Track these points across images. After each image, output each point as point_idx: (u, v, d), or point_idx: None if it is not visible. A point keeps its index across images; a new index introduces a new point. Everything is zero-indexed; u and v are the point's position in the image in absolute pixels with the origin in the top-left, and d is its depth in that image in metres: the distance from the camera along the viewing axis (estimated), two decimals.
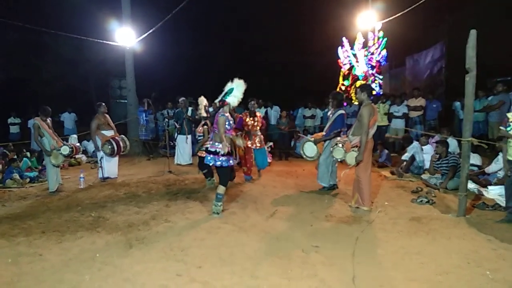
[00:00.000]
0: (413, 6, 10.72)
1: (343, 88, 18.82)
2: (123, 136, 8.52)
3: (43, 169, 9.18)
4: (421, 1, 10.08)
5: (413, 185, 7.26)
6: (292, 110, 14.16)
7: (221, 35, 24.01)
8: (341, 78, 19.14)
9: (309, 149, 6.81)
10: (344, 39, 18.24)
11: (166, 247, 4.39)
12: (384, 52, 16.80)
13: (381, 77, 17.17)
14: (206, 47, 23.75)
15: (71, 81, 18.99)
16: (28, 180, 8.38)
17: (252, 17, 23.36)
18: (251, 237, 4.71)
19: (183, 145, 10.25)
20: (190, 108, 10.23)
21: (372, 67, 17.26)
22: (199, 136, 7.61)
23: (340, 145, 5.76)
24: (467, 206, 5.40)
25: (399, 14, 12.02)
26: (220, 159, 5.42)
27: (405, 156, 8.41)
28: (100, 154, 8.26)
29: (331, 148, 5.98)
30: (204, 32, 24.22)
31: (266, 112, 12.78)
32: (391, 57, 16.87)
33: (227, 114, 5.48)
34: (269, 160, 10.29)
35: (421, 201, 6.02)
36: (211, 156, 5.47)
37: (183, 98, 10.27)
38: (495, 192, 6.05)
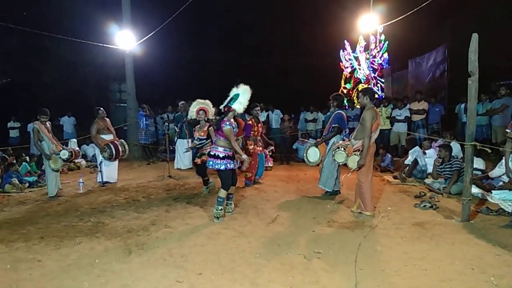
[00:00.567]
0: (415, 9, 10.70)
1: (345, 91, 18.85)
2: (122, 140, 8.48)
3: (42, 173, 9.14)
4: (423, 4, 10.05)
5: (416, 190, 7.20)
6: (294, 114, 14.15)
7: (222, 39, 24.05)
8: (343, 81, 19.16)
9: (312, 154, 6.79)
10: (346, 42, 18.27)
11: (165, 253, 4.34)
12: (385, 55, 16.81)
13: (383, 80, 17.17)
14: (206, 51, 23.78)
15: (71, 84, 19.04)
16: (27, 185, 8.34)
17: (253, 20, 23.41)
18: (252, 243, 4.66)
19: (183, 150, 10.20)
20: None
21: (374, 70, 17.27)
22: (200, 140, 7.27)
23: (342, 148, 5.71)
24: (471, 211, 5.34)
25: (401, 17, 12.00)
26: (221, 162, 5.38)
27: (408, 161, 8.36)
28: (100, 158, 8.22)
29: (333, 152, 5.94)
30: (205, 35, 24.26)
31: (267, 116, 12.75)
32: (393, 60, 16.89)
33: (232, 121, 5.42)
34: (270, 164, 10.31)
35: (424, 206, 5.96)
36: (212, 160, 5.43)
37: (182, 102, 10.23)
38: (499, 197, 5.99)
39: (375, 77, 17.28)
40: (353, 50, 18.52)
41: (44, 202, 7.05)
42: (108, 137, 8.22)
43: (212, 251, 4.39)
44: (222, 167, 5.39)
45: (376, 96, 15.32)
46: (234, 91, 5.46)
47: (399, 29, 14.22)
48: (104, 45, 13.03)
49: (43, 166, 9.50)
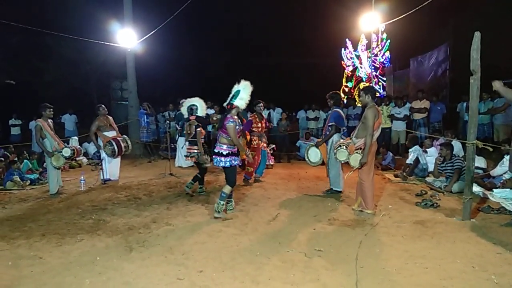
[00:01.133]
0: (417, 8, 10.66)
1: (346, 89, 18.83)
2: (125, 136, 8.47)
3: (44, 171, 9.15)
4: (425, 3, 10.02)
5: (417, 188, 7.19)
6: (294, 112, 14.14)
7: (223, 37, 24.01)
8: (344, 80, 19.14)
9: (313, 154, 6.81)
10: (347, 40, 18.23)
11: (166, 250, 4.35)
12: (387, 54, 16.78)
13: (384, 79, 17.14)
14: (207, 49, 23.77)
15: (73, 83, 19.05)
16: (28, 182, 8.35)
17: (255, 19, 23.37)
18: (253, 240, 4.66)
19: (184, 147, 10.20)
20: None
21: (376, 69, 17.23)
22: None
23: (344, 147, 5.71)
24: (472, 209, 5.34)
25: (403, 15, 11.95)
26: (226, 159, 5.40)
27: (409, 160, 8.34)
28: (102, 155, 8.23)
29: (335, 150, 5.93)
30: (206, 34, 24.23)
31: (268, 114, 12.75)
32: (394, 59, 16.85)
33: (235, 118, 5.42)
34: (271, 162, 10.31)
35: (426, 204, 5.96)
36: (217, 157, 5.44)
37: (183, 100, 10.22)
38: (500, 195, 5.95)
39: (376, 76, 17.25)
40: (355, 49, 18.49)
41: (45, 200, 7.06)
42: (111, 133, 8.23)
43: (213, 248, 4.39)
44: (227, 165, 5.42)
45: (378, 94, 15.31)
46: (235, 88, 5.47)
47: (401, 27, 14.17)
48: (106, 43, 13.04)
49: (45, 163, 9.53)
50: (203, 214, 5.81)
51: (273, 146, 11.00)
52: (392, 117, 10.86)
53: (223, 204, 5.54)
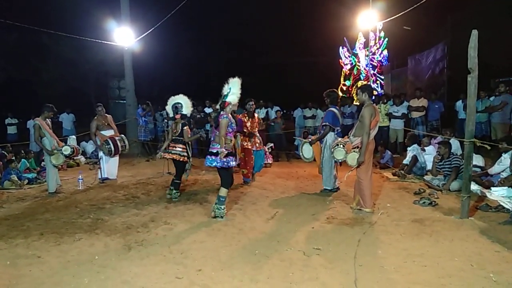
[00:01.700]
0: (414, 6, 10.67)
1: (344, 88, 18.83)
2: (122, 135, 8.45)
3: (42, 170, 9.14)
4: (423, 1, 10.03)
5: (416, 187, 7.20)
6: (291, 111, 14.15)
7: (221, 36, 23.99)
8: (342, 78, 19.14)
9: (306, 150, 6.87)
10: (345, 39, 18.24)
11: (165, 249, 4.34)
12: (385, 52, 16.78)
13: (382, 77, 17.15)
14: (205, 48, 23.74)
15: (70, 81, 19.01)
16: (26, 181, 8.32)
17: (252, 17, 23.36)
18: (251, 239, 4.66)
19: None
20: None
21: (374, 67, 17.24)
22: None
23: (341, 145, 5.71)
24: (470, 207, 5.34)
25: (401, 14, 11.97)
26: (221, 160, 5.34)
27: (406, 160, 8.34)
28: (100, 154, 8.22)
29: (332, 149, 5.94)
30: (203, 32, 24.21)
31: (266, 113, 12.74)
32: (392, 57, 16.86)
33: (229, 116, 5.42)
34: (269, 161, 10.30)
35: (424, 202, 5.97)
36: (212, 157, 5.39)
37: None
38: (498, 194, 5.98)
39: (374, 74, 17.26)
40: (353, 47, 18.49)
41: (43, 199, 7.05)
42: (108, 133, 8.22)
43: (212, 247, 4.39)
44: (225, 165, 5.35)
45: (376, 93, 15.31)
46: (225, 88, 5.46)
47: (398, 26, 14.19)
48: (103, 41, 13.01)
49: (42, 162, 9.51)
50: (202, 213, 5.80)
51: (271, 144, 11.00)
52: (390, 116, 10.87)
53: (224, 208, 5.46)
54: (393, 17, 13.08)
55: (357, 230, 4.89)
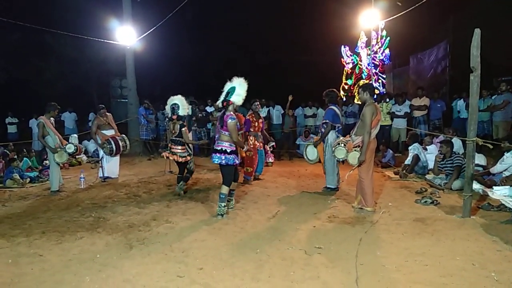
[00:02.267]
0: (417, 5, 10.64)
1: (346, 87, 18.80)
2: (123, 135, 8.46)
3: (44, 169, 9.17)
4: (424, 0, 10.00)
5: (417, 186, 7.19)
6: (293, 110, 14.15)
7: (222, 35, 23.95)
8: (344, 77, 19.10)
9: (310, 152, 6.86)
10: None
11: (166, 248, 4.35)
12: (387, 51, 16.74)
13: (384, 76, 17.11)
14: (207, 46, 23.71)
15: (72, 80, 19.02)
16: (28, 180, 8.35)
17: (254, 16, 23.30)
18: (253, 238, 4.66)
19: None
20: (189, 107, 10.17)
21: (376, 66, 17.20)
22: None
23: (342, 144, 5.71)
24: (472, 206, 5.33)
25: (403, 12, 11.94)
26: (226, 157, 5.35)
27: (407, 161, 8.32)
28: (101, 153, 8.24)
29: (333, 148, 5.94)
30: (205, 31, 24.18)
31: (268, 112, 12.74)
32: (394, 56, 16.81)
33: (234, 116, 5.40)
34: (271, 160, 10.31)
35: (425, 201, 5.95)
36: (217, 155, 5.40)
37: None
38: (500, 193, 5.94)
39: (376, 73, 17.22)
40: (355, 47, 18.46)
41: (45, 197, 7.07)
42: (109, 132, 8.23)
43: (213, 246, 4.39)
44: (230, 163, 5.36)
45: (377, 92, 15.29)
46: (228, 85, 5.44)
47: (400, 25, 14.15)
48: (105, 40, 13.02)
49: (44, 161, 9.54)
50: (203, 211, 5.81)
51: (273, 143, 11.00)
52: (392, 115, 10.85)
53: (224, 206, 5.47)
54: (395, 16, 13.05)
55: (359, 229, 4.89)
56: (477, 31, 4.97)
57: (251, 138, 7.81)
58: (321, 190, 7.06)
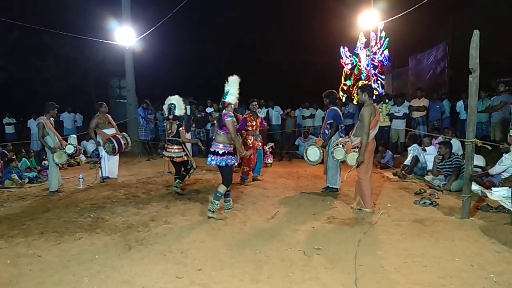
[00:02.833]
0: (416, 6, 10.65)
1: (345, 88, 18.79)
2: (124, 133, 8.46)
3: (42, 169, 9.15)
4: (424, 1, 10.01)
5: (416, 187, 7.19)
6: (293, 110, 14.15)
7: (221, 35, 23.97)
8: (343, 78, 19.09)
9: (312, 153, 6.80)
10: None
11: (165, 249, 4.34)
12: (386, 52, 16.74)
13: (383, 77, 17.11)
14: (206, 47, 23.71)
15: (71, 81, 18.98)
16: (27, 180, 8.34)
17: (253, 16, 23.30)
18: (252, 239, 4.66)
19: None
20: (188, 107, 10.18)
21: (375, 67, 17.20)
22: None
23: (341, 145, 5.71)
24: (470, 208, 5.33)
25: (402, 13, 11.94)
26: (221, 158, 5.35)
27: (407, 161, 8.32)
28: (101, 153, 8.23)
29: (332, 149, 5.94)
30: (204, 31, 24.19)
31: (267, 112, 12.74)
32: (393, 57, 16.80)
33: (232, 115, 5.41)
34: (270, 161, 10.32)
35: (424, 202, 5.96)
36: (213, 156, 5.40)
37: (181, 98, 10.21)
38: (499, 194, 5.96)
39: (375, 74, 17.22)
40: (354, 47, 18.45)
41: (44, 198, 7.06)
42: (110, 131, 8.23)
43: (212, 247, 4.39)
44: (223, 164, 5.36)
45: (376, 93, 15.28)
46: (226, 87, 5.46)
47: (399, 26, 14.15)
48: (104, 41, 13.02)
49: (43, 161, 9.52)
50: (202, 212, 5.80)
51: (272, 144, 11.00)
52: (391, 116, 10.86)
53: (217, 204, 5.46)
54: (394, 17, 13.05)
55: (358, 230, 4.89)
56: (476, 32, 4.98)
57: (249, 137, 7.81)
58: (320, 191, 7.06)
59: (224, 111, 5.38)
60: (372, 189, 5.75)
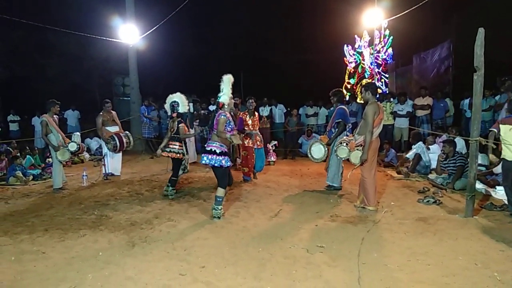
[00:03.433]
0: (420, 4, 10.60)
1: (348, 86, 18.77)
2: (127, 132, 8.51)
3: (46, 166, 9.19)
4: None
5: (420, 185, 7.18)
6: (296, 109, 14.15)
7: (224, 33, 23.95)
8: (346, 76, 19.07)
9: (316, 151, 6.75)
10: (356, 36, 18.17)
11: (169, 246, 4.36)
12: (390, 51, 16.70)
13: (387, 75, 17.07)
14: (210, 45, 23.71)
15: (75, 79, 19.02)
16: (31, 177, 8.37)
17: (256, 15, 23.27)
18: (255, 237, 4.67)
19: (187, 143, 10.20)
20: (191, 105, 10.19)
21: (378, 66, 17.17)
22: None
23: (345, 144, 5.70)
24: (474, 206, 5.32)
25: (406, 11, 11.90)
26: (218, 158, 5.24)
27: (409, 155, 8.31)
28: (104, 151, 8.26)
29: (335, 147, 5.93)
30: (208, 29, 24.17)
31: (270, 111, 12.73)
32: (397, 55, 16.76)
33: (228, 114, 5.38)
34: (273, 159, 10.31)
35: (428, 201, 5.95)
36: (208, 155, 5.30)
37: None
38: (503, 193, 5.95)
39: (379, 72, 17.19)
40: (358, 46, 18.43)
41: (48, 195, 7.08)
42: (113, 129, 8.27)
43: (215, 244, 4.40)
44: (217, 164, 5.23)
45: (380, 91, 15.25)
46: (221, 85, 5.42)
47: (403, 24, 14.10)
48: (108, 39, 13.04)
49: (47, 159, 9.56)
50: (205, 210, 5.81)
51: (275, 142, 10.99)
52: (395, 114, 10.83)
53: (221, 209, 5.39)
54: (398, 15, 13.00)
55: (361, 228, 4.89)
56: (481, 30, 4.96)
57: (245, 137, 7.76)
58: (324, 188, 7.06)
59: (220, 110, 5.36)
60: (375, 188, 5.74)
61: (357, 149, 5.52)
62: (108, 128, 8.20)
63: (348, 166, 6.52)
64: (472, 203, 5.22)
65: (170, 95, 6.93)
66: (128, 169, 9.48)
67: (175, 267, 3.81)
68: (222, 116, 5.28)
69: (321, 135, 8.40)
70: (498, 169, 6.81)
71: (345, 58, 19.04)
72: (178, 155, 6.69)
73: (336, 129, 6.69)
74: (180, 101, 6.82)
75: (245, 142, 7.76)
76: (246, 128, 7.77)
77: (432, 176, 7.57)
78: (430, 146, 8.40)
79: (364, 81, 17.17)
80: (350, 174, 6.01)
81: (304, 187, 7.42)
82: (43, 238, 4.68)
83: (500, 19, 12.17)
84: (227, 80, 5.40)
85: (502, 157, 5.26)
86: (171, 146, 6.70)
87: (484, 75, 5.00)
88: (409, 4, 11.65)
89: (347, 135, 6.52)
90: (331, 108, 11.99)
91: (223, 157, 5.27)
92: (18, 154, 9.17)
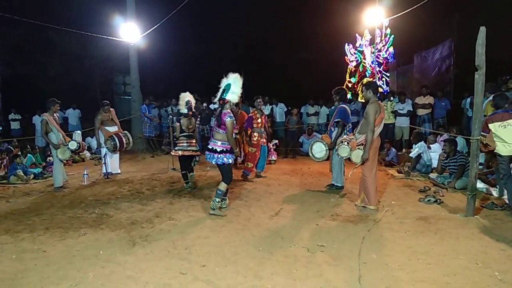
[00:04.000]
0: (421, 3, 10.58)
1: (349, 85, 18.77)
2: (126, 132, 8.52)
3: (47, 165, 9.19)
4: None
5: (421, 184, 7.18)
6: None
7: (225, 32, 23.95)
8: (347, 75, 19.07)
9: (317, 150, 6.72)
10: (357, 35, 18.16)
11: (169, 245, 4.36)
12: (391, 49, 16.69)
13: (388, 74, 17.06)
14: (211, 44, 23.71)
15: (76, 77, 19.03)
16: (32, 176, 8.38)
17: (257, 14, 23.27)
18: (256, 235, 4.67)
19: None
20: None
21: (379, 64, 17.16)
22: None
23: (346, 143, 5.70)
24: (475, 206, 5.31)
25: (407, 10, 11.88)
26: (220, 156, 5.32)
27: (413, 154, 8.30)
28: (104, 150, 8.27)
29: (337, 146, 5.92)
30: (209, 28, 24.17)
31: (271, 110, 12.73)
32: (398, 54, 16.76)
33: (231, 114, 5.38)
34: (274, 158, 10.32)
35: (429, 200, 5.94)
36: (211, 154, 5.38)
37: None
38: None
39: (380, 71, 17.18)
40: (359, 44, 18.42)
41: (49, 194, 7.09)
42: (112, 128, 8.28)
43: (216, 243, 4.40)
44: (219, 162, 5.34)
45: (381, 90, 15.23)
46: (224, 82, 5.40)
47: (405, 23, 14.09)
48: (109, 37, 13.04)
49: (48, 158, 9.57)
50: (206, 208, 5.80)
51: (276, 141, 10.99)
52: (395, 113, 10.82)
53: (218, 201, 5.46)
54: (399, 14, 12.99)
55: (362, 227, 4.88)
56: (483, 29, 4.94)
57: (255, 134, 7.85)
58: (325, 188, 7.06)
59: (223, 110, 5.35)
60: (376, 187, 5.74)
61: (358, 148, 5.52)
62: (107, 128, 8.21)
63: (350, 165, 6.52)
64: (473, 202, 5.21)
65: (183, 94, 7.16)
66: (129, 167, 9.49)
67: (175, 266, 3.81)
68: (229, 118, 5.26)
69: (322, 134, 8.39)
70: None
71: (346, 57, 19.04)
72: (198, 152, 7.05)
73: (336, 128, 6.68)
74: (192, 99, 7.15)
75: (254, 139, 7.82)
76: (254, 126, 7.85)
77: (433, 175, 7.57)
78: (431, 145, 8.39)
79: (365, 80, 17.17)
80: (351, 173, 6.01)
81: (304, 186, 7.42)
82: (44, 237, 4.68)
83: (502, 18, 12.15)
84: (236, 80, 5.38)
85: (496, 151, 5.26)
86: (190, 145, 6.97)
87: (486, 74, 4.99)
88: (410, 3, 11.63)
89: (347, 135, 6.51)
90: (332, 107, 12.00)
91: (225, 154, 5.34)
92: (19, 153, 9.17)
